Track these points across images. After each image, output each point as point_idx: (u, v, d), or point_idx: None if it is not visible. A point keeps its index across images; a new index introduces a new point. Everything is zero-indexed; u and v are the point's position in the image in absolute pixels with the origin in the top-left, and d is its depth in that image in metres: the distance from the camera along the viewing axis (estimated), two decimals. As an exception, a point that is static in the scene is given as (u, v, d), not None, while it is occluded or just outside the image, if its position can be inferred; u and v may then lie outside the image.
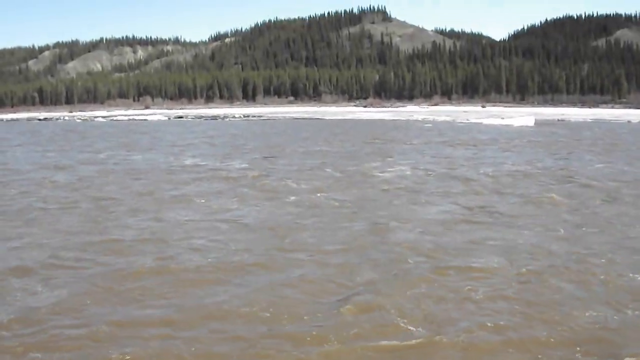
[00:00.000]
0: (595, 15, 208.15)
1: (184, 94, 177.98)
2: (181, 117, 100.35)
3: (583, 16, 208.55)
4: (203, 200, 15.92)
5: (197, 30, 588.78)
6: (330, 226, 12.58)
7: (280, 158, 27.93)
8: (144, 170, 23.43)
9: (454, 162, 25.25)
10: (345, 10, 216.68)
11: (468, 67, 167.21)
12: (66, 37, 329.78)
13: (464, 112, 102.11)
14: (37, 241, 11.68)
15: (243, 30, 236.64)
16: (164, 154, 30.88)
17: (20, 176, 22.45)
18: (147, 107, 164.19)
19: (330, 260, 10.17)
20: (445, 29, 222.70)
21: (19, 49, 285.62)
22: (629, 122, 71.14)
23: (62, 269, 9.87)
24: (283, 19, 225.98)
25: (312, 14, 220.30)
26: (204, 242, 11.39)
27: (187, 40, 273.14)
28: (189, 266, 9.90)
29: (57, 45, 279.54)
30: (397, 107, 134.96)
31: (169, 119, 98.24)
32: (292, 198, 16.07)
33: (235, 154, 30.74)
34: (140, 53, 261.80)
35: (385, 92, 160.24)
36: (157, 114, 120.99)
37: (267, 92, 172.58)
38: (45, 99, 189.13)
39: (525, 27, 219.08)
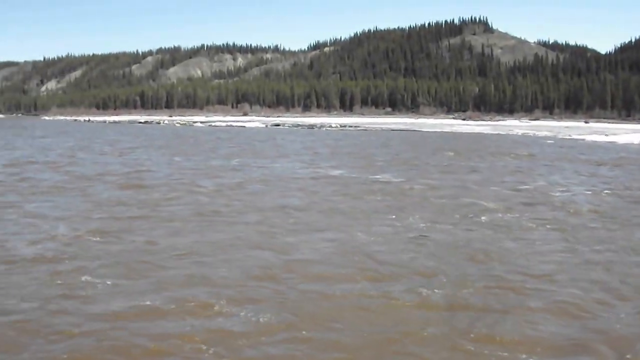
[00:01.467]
0: None
1: (282, 102, 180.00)
2: (278, 125, 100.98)
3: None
4: (393, 216, 15.21)
5: (296, 39, 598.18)
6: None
7: (426, 171, 27.09)
8: (296, 180, 22.97)
9: (615, 182, 23.62)
10: (445, 21, 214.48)
11: (571, 81, 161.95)
12: (168, 44, 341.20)
13: (566, 127, 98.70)
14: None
15: (342, 39, 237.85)
16: (299, 162, 30.61)
17: (161, 180, 22.93)
18: (245, 114, 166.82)
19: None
20: (549, 41, 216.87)
21: (124, 54, 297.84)
22: None
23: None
24: (382, 29, 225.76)
25: (412, 24, 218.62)
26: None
27: (286, 48, 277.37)
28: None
29: (160, 51, 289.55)
30: (496, 120, 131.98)
31: (267, 126, 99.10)
32: (483, 218, 15.12)
33: (373, 164, 30.07)
34: (240, 60, 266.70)
35: (485, 105, 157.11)
36: (254, 121, 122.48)
37: (364, 102, 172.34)
38: (146, 103, 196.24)
39: (633, 40, 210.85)
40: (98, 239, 12.52)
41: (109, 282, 9.63)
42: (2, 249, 11.75)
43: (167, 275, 9.98)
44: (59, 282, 9.61)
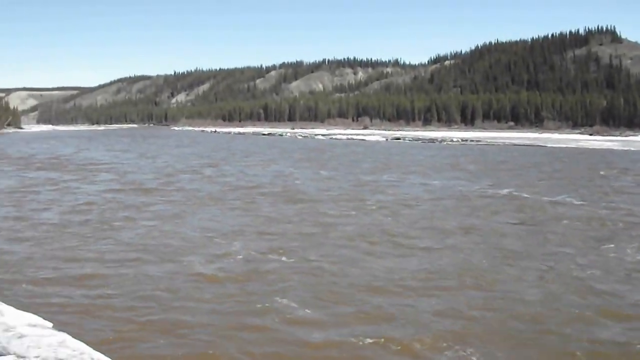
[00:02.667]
0: None
1: (402, 116, 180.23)
2: (398, 139, 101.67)
3: None
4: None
5: (417, 52, 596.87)
6: None
7: (598, 192, 27.04)
8: (479, 198, 23.33)
9: None
10: (570, 31, 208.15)
11: None
12: (291, 58, 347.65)
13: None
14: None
15: (462, 52, 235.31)
16: (454, 180, 31.18)
17: (320, 194, 24.29)
18: (365, 127, 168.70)
19: None
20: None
21: (248, 68, 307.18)
22: None
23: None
24: (504, 41, 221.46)
25: (535, 36, 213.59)
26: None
27: (407, 62, 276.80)
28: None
29: (283, 65, 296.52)
30: (626, 136, 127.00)
31: (387, 140, 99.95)
32: None
33: (532, 183, 30.18)
34: (361, 74, 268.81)
35: (614, 120, 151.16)
36: (375, 134, 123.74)
37: (486, 116, 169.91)
38: (269, 115, 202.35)
39: None
40: (285, 258, 13.30)
41: (304, 309, 10.17)
42: (185, 265, 12.86)
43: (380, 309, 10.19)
44: (256, 304, 10.21)
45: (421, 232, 16.24)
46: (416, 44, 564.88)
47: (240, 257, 13.44)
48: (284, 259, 13.28)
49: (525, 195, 24.70)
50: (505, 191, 26.03)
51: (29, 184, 30.01)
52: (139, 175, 34.40)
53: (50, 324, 9.81)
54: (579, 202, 23.00)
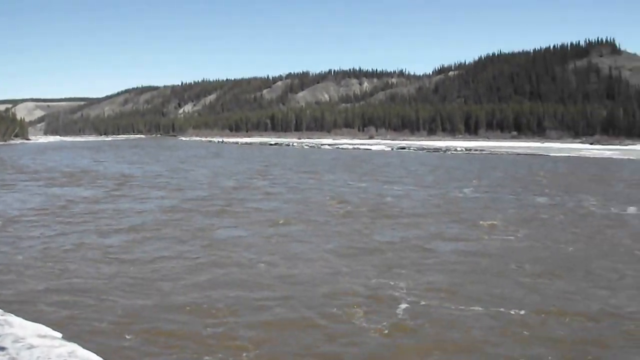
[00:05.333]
0: None
1: (407, 126, 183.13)
2: (404, 148, 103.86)
3: None
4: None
5: (421, 63, 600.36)
6: None
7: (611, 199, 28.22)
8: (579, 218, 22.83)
9: None
10: (571, 43, 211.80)
11: None
12: (297, 69, 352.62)
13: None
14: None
15: (466, 63, 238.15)
16: (510, 194, 30.68)
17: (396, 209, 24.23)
18: (371, 137, 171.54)
19: None
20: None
21: (255, 79, 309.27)
22: None
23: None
24: (507, 52, 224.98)
25: (537, 47, 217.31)
26: None
27: (411, 73, 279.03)
28: None
29: (289, 76, 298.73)
30: (625, 145, 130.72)
31: (392, 149, 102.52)
32: None
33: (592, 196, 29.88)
34: (366, 85, 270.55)
35: (614, 129, 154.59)
36: (380, 144, 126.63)
37: (489, 126, 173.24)
38: (276, 126, 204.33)
39: None
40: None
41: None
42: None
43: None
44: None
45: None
46: (421, 55, 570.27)
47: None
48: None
49: (553, 202, 27.72)
50: (542, 199, 28.43)
51: (61, 204, 26.62)
52: (195, 190, 32.36)
53: (60, 334, 10.26)
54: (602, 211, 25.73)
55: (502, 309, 11.31)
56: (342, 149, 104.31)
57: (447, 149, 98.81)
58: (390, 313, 11.11)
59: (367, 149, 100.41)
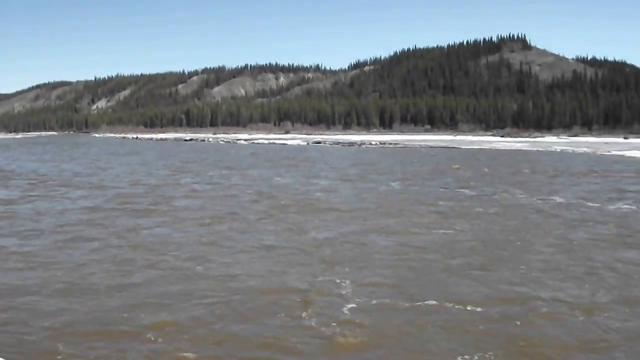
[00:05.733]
0: None
1: (323, 120, 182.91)
2: (319, 143, 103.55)
3: None
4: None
5: (337, 58, 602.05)
6: None
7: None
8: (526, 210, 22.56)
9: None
10: (484, 39, 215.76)
11: (610, 96, 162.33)
12: (213, 64, 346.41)
13: (605, 143, 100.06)
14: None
15: (382, 58, 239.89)
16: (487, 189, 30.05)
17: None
18: (287, 132, 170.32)
19: None
20: (587, 57, 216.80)
21: (170, 73, 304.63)
22: None
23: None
24: (421, 47, 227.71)
25: (451, 43, 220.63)
26: None
27: (327, 68, 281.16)
28: None
29: (205, 70, 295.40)
30: (534, 137, 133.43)
31: (308, 144, 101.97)
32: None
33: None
34: (282, 80, 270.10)
35: (523, 122, 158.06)
36: (296, 138, 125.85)
37: (403, 120, 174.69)
38: (191, 121, 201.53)
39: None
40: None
41: None
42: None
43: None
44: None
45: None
46: (337, 50, 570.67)
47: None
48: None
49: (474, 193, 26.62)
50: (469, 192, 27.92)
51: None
52: (117, 189, 30.04)
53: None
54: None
55: (453, 304, 10.95)
56: (259, 144, 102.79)
57: (362, 143, 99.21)
58: (340, 312, 10.67)
59: (283, 144, 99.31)
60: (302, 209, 22.06)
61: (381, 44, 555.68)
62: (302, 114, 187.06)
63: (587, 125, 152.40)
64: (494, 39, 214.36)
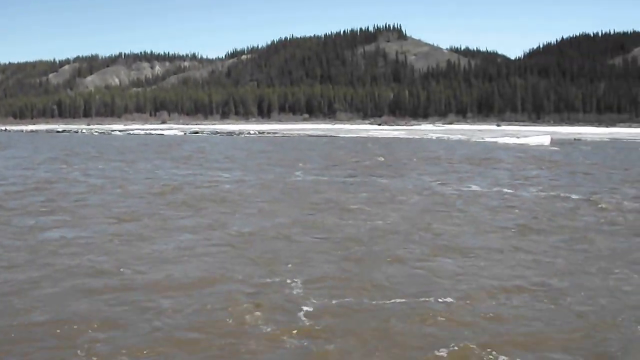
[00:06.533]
0: (612, 33, 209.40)
1: (200, 110, 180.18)
2: (197, 133, 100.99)
3: (600, 34, 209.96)
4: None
5: (214, 47, 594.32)
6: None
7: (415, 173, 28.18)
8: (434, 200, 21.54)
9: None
10: (361, 29, 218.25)
11: (483, 85, 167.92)
12: (86, 52, 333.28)
13: (479, 130, 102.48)
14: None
15: (259, 47, 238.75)
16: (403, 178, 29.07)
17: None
18: (163, 122, 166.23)
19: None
20: (460, 48, 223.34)
21: (41, 62, 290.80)
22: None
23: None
24: (299, 36, 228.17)
25: (328, 32, 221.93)
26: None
27: (204, 56, 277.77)
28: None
29: (77, 59, 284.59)
30: (411, 125, 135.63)
31: (185, 134, 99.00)
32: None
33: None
34: (158, 68, 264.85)
35: (400, 111, 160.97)
36: (173, 128, 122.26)
37: (282, 109, 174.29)
38: (63, 112, 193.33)
39: (541, 46, 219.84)
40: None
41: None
42: None
43: None
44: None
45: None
46: (214, 38, 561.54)
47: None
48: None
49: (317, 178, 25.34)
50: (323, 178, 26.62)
51: None
52: (2, 185, 25.38)
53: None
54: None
55: (415, 298, 9.95)
56: (135, 134, 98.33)
57: (241, 132, 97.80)
58: (295, 313, 9.27)
59: (160, 134, 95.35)
60: (215, 203, 20.02)
61: (258, 32, 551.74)
62: (179, 103, 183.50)
63: (462, 113, 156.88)
64: (371, 28, 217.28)
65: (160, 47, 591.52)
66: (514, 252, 12.83)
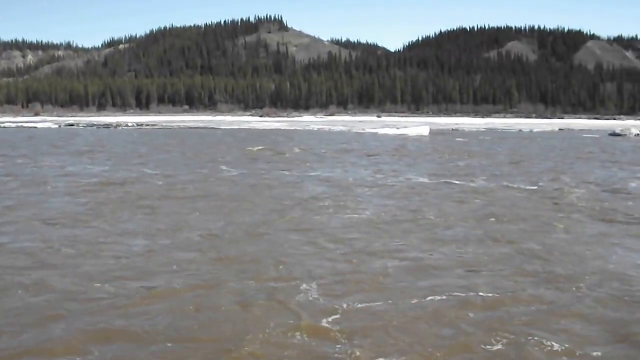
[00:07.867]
0: (487, 27, 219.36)
1: (75, 101, 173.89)
2: (72, 125, 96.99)
3: (475, 28, 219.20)
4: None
5: (90, 35, 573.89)
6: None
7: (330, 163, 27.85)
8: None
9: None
10: (241, 19, 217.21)
11: (363, 77, 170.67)
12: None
13: (360, 122, 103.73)
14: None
15: (137, 36, 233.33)
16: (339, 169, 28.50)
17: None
18: (36, 114, 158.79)
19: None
20: (341, 40, 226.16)
21: None
22: (520, 130, 75.10)
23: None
24: (178, 26, 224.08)
25: (208, 22, 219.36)
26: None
27: (80, 45, 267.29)
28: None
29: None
30: (293, 116, 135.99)
31: (60, 126, 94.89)
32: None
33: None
34: (30, 58, 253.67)
35: (281, 102, 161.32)
36: (47, 121, 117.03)
37: (161, 101, 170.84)
38: None
39: (420, 39, 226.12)
40: None
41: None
42: None
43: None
44: None
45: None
46: (90, 26, 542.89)
47: None
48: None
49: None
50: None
51: None
52: None
53: None
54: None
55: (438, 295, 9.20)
56: (5, 127, 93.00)
57: (119, 125, 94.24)
58: (330, 323, 8.21)
59: (33, 127, 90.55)
60: (161, 201, 18.09)
61: (137, 21, 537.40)
62: (53, 94, 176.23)
63: (343, 104, 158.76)
64: (252, 19, 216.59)
65: (32, 35, 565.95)
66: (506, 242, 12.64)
